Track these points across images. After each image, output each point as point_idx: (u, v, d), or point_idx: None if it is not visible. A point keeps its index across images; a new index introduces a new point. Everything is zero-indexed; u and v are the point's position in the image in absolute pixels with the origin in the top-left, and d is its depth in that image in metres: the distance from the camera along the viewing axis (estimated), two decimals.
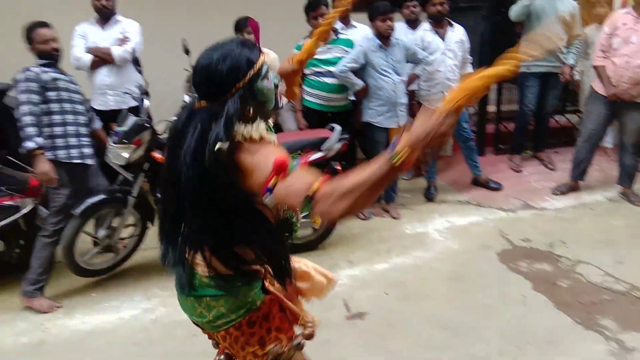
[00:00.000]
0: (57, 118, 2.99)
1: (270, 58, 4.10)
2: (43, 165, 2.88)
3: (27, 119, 2.87)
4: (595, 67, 4.31)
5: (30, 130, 2.86)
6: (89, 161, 3.13)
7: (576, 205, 4.41)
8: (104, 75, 3.92)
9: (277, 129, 4.17)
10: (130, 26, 4.05)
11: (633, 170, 4.43)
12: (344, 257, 3.58)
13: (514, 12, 4.61)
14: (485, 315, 2.83)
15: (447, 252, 3.64)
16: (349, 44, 4.08)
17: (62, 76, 3.05)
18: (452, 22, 4.40)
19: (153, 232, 3.62)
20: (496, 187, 4.69)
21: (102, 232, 3.21)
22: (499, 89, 5.26)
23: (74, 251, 3.09)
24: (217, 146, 1.24)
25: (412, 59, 4.15)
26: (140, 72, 3.53)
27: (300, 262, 1.71)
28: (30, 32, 3.02)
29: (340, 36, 4.09)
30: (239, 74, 1.33)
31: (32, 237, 3.17)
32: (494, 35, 5.08)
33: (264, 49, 4.07)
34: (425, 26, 4.41)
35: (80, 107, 3.14)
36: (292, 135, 3.60)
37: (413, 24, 4.53)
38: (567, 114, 5.54)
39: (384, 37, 3.97)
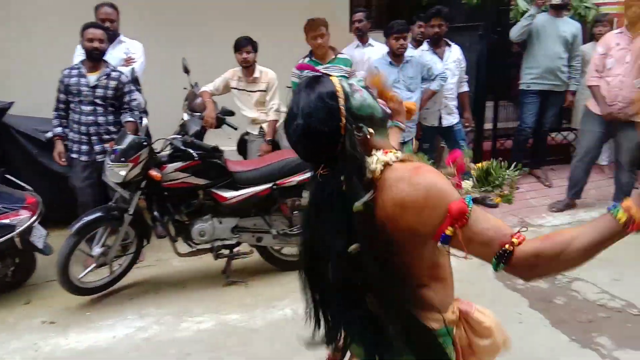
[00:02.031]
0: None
1: (269, 77, 4.16)
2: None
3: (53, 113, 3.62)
4: (589, 87, 4.35)
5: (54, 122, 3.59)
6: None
7: (573, 223, 4.41)
8: None
9: (276, 146, 4.25)
10: (134, 46, 4.11)
11: (629, 187, 4.44)
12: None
13: (514, 32, 4.67)
14: None
15: None
16: (347, 63, 4.13)
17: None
18: (450, 42, 4.47)
19: (147, 249, 3.64)
20: (493, 205, 4.69)
21: (97, 250, 3.21)
22: (495, 106, 5.30)
23: (69, 269, 3.09)
24: (356, 205, 1.07)
25: (428, 74, 4.21)
26: (139, 90, 3.57)
27: (484, 313, 1.33)
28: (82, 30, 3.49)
29: (339, 56, 4.15)
30: (334, 116, 1.10)
31: (27, 255, 3.17)
32: (490, 54, 5.14)
33: (263, 69, 4.16)
34: (423, 46, 4.48)
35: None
36: (290, 153, 3.60)
37: (419, 43, 4.59)
38: (563, 131, 5.57)
39: (396, 55, 4.05)
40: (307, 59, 4.12)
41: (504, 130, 5.36)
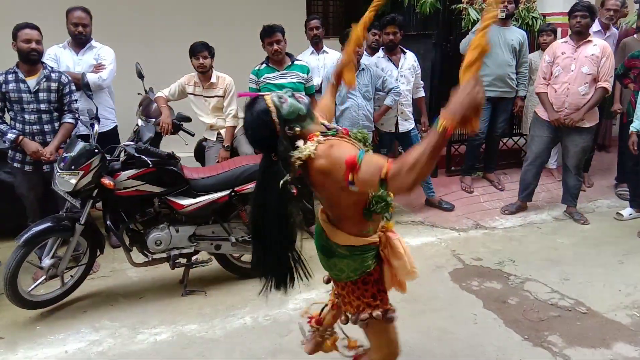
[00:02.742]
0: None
1: (226, 82, 4.12)
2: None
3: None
4: (537, 94, 4.54)
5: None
6: None
7: (524, 225, 4.58)
8: None
9: (234, 152, 4.21)
10: (106, 53, 3.97)
11: (576, 190, 4.65)
12: (300, 281, 3.56)
13: (464, 45, 4.79)
14: (438, 337, 2.87)
15: None
16: (305, 70, 4.14)
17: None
18: (405, 49, 4.56)
19: (101, 259, 3.53)
20: (449, 208, 4.82)
21: (47, 262, 3.08)
22: None
23: (18, 282, 2.96)
24: (282, 181, 1.65)
25: (382, 86, 4.27)
26: (90, 97, 3.45)
27: (401, 243, 1.87)
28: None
29: (296, 62, 4.15)
30: (268, 127, 1.67)
31: None
32: (444, 61, 5.27)
33: (220, 74, 4.13)
34: (379, 53, 4.55)
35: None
36: (248, 159, 3.59)
37: (374, 50, 4.66)
38: (514, 136, 5.77)
39: None
40: (263, 65, 4.11)
41: (458, 136, 5.51)
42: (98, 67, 3.89)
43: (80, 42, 3.88)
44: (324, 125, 1.78)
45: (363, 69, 4.19)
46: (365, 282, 1.87)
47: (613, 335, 2.86)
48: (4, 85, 3.32)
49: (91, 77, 3.74)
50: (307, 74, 4.14)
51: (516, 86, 4.97)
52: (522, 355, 2.70)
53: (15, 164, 3.45)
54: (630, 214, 4.63)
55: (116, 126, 4.18)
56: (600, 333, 2.88)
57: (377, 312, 1.87)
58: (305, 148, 1.62)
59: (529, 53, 5.12)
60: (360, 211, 1.76)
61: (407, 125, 4.57)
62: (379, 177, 1.45)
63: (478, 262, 3.82)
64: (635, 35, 5.01)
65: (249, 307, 3.18)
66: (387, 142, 4.62)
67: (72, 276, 3.26)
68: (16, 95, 3.31)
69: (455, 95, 1.36)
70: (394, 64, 4.48)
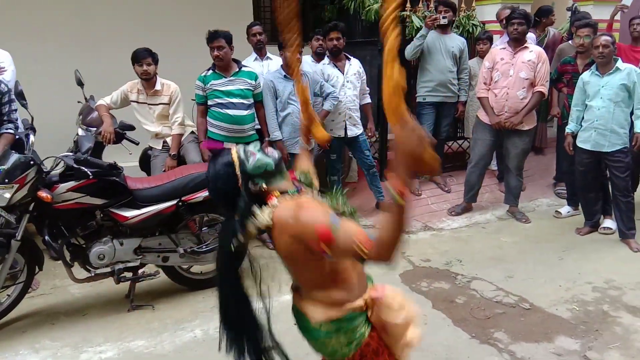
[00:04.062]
0: None
1: (171, 89, 4.03)
2: None
3: None
4: (479, 99, 4.70)
5: None
6: None
7: (470, 225, 4.73)
8: None
9: (181, 161, 4.12)
10: (2, 56, 3.77)
11: (518, 190, 4.85)
12: (252, 290, 3.51)
13: (408, 51, 4.91)
14: None
15: None
16: (252, 76, 4.11)
17: None
18: (349, 56, 4.62)
19: (40, 276, 3.36)
20: None
21: None
22: None
23: None
24: (234, 242, 1.52)
25: (320, 91, 4.29)
26: (24, 106, 3.29)
27: (394, 299, 1.64)
28: None
29: (244, 68, 4.12)
30: (231, 180, 1.56)
31: None
32: None
33: (165, 81, 4.03)
34: (325, 60, 4.59)
35: None
36: (196, 168, 3.52)
37: (320, 56, 4.69)
38: (458, 140, 5.95)
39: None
40: (210, 72, 4.05)
41: None
42: None
43: None
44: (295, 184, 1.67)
45: (303, 74, 4.20)
46: (363, 355, 1.62)
47: (555, 329, 2.98)
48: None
49: None
50: (255, 80, 4.11)
51: (457, 91, 5.14)
52: (470, 353, 2.77)
53: None
54: (568, 212, 4.86)
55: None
56: (543, 328, 3.00)
57: None
58: (263, 216, 1.50)
59: (469, 60, 5.30)
60: (338, 274, 1.59)
61: (355, 130, 4.62)
62: (355, 253, 1.36)
63: (427, 263, 3.91)
64: (570, 42, 5.28)
65: (199, 320, 3.11)
66: (337, 147, 4.66)
67: (8, 295, 3.08)
68: None
69: (395, 154, 1.28)
70: (339, 70, 4.53)
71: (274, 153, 1.63)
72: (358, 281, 1.64)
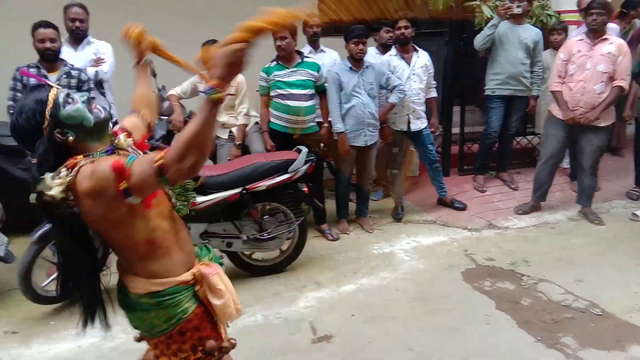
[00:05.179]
0: None
1: (238, 80, 4.13)
2: None
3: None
4: (552, 92, 4.48)
5: None
6: None
7: (538, 225, 4.53)
8: None
9: (245, 150, 4.22)
10: (103, 47, 4.03)
11: (591, 190, 4.59)
12: (311, 279, 3.57)
13: (478, 41, 4.75)
14: (450, 337, 2.85)
15: (413, 272, 3.67)
16: (315, 67, 4.13)
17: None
18: (417, 48, 4.53)
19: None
20: (461, 207, 4.78)
21: None
22: (462, 111, 5.39)
23: (32, 277, 3.00)
24: (32, 196, 1.39)
25: (386, 84, 4.25)
26: (103, 94, 3.50)
27: (221, 279, 1.61)
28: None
29: (306, 59, 4.15)
30: (36, 119, 1.41)
31: None
32: (457, 60, 5.23)
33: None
34: (391, 51, 4.53)
35: None
36: (259, 157, 3.60)
37: (386, 48, 4.63)
38: (528, 135, 5.71)
39: (355, 60, 4.08)
40: (273, 63, 4.11)
41: (471, 135, 5.46)
42: (98, 61, 3.94)
43: (77, 37, 3.95)
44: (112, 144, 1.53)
45: (367, 66, 4.17)
46: (182, 332, 1.55)
47: (628, 337, 2.81)
48: (25, 79, 3.41)
49: (91, 71, 3.79)
50: (318, 71, 4.13)
51: (530, 85, 4.92)
52: (535, 356, 2.67)
53: None
54: None
55: (116, 121, 4.22)
56: (614, 335, 2.83)
57: None
58: (52, 186, 1.37)
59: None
60: (155, 244, 1.50)
61: (419, 124, 4.54)
62: (154, 171, 1.26)
63: (491, 262, 3.79)
64: None
65: (259, 305, 3.19)
66: (399, 141, 4.60)
67: None
68: None
69: (214, 60, 1.25)
70: (406, 62, 4.45)
71: (101, 112, 1.51)
72: (184, 253, 1.59)
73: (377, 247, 4.10)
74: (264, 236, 3.45)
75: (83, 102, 1.48)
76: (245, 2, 5.46)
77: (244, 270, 3.58)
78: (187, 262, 1.59)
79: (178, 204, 1.67)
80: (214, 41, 3.96)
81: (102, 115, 1.50)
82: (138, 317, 1.57)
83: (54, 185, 1.37)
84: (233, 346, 1.71)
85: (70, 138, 1.43)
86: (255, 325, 2.99)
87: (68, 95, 1.46)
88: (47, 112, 1.42)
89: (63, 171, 1.39)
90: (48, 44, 3.42)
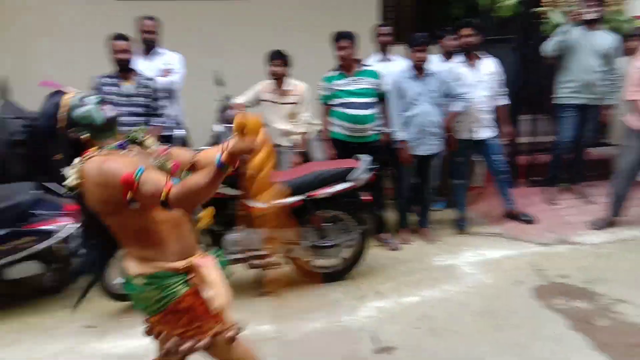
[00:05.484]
0: None
1: (300, 90, 4.19)
2: None
3: None
4: (629, 101, 4.21)
5: None
6: None
7: (613, 241, 4.25)
8: None
9: (306, 158, 4.26)
10: (173, 58, 4.24)
11: None
12: (372, 288, 3.54)
13: (549, 47, 4.57)
14: (517, 354, 2.72)
15: (478, 286, 3.55)
16: (374, 75, 4.13)
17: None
18: (484, 55, 4.41)
19: None
20: (529, 220, 4.58)
21: None
22: (534, 120, 5.19)
23: (108, 274, 3.15)
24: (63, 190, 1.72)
25: (448, 92, 4.17)
26: (173, 103, 3.69)
27: (212, 273, 1.79)
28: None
29: (365, 68, 4.15)
30: (53, 119, 1.69)
31: (67, 261, 3.25)
32: (524, 67, 5.06)
33: (295, 82, 4.20)
34: (457, 58, 4.43)
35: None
36: (320, 165, 3.62)
37: (450, 55, 4.55)
38: (601, 146, 5.40)
39: (417, 68, 4.04)
40: (334, 72, 4.15)
41: (540, 144, 5.24)
42: (168, 72, 4.13)
43: (147, 48, 4.17)
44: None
45: (430, 74, 4.10)
46: (174, 312, 1.75)
47: None
48: (104, 87, 3.69)
49: (162, 81, 3.99)
50: (378, 79, 4.12)
51: (605, 94, 4.66)
52: None
53: None
54: None
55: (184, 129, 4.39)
56: None
57: (192, 344, 1.77)
58: (71, 176, 1.65)
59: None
60: (151, 233, 1.71)
61: (484, 133, 4.40)
62: (157, 198, 1.51)
63: (564, 279, 3.59)
64: None
65: (320, 312, 3.19)
66: (463, 149, 4.47)
67: None
68: (112, 99, 3.62)
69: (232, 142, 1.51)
70: (472, 69, 4.34)
71: (109, 112, 1.72)
72: (180, 246, 1.78)
73: (440, 259, 4.00)
74: (324, 243, 3.45)
75: (96, 103, 1.72)
76: (311, 14, 5.61)
77: (305, 276, 3.60)
78: (182, 253, 1.78)
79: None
80: (278, 52, 4.07)
81: (109, 114, 1.72)
82: (135, 297, 1.80)
83: (71, 175, 1.64)
84: (237, 332, 1.87)
85: (85, 135, 1.69)
86: (315, 332, 2.99)
87: (82, 99, 1.70)
88: (62, 114, 1.68)
89: (77, 161, 1.66)
90: (120, 55, 3.69)
